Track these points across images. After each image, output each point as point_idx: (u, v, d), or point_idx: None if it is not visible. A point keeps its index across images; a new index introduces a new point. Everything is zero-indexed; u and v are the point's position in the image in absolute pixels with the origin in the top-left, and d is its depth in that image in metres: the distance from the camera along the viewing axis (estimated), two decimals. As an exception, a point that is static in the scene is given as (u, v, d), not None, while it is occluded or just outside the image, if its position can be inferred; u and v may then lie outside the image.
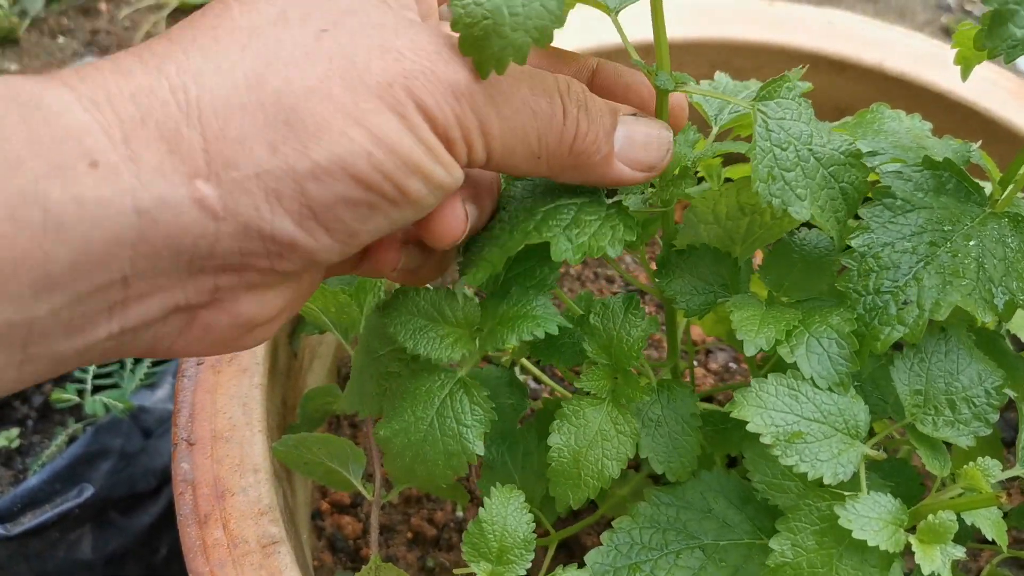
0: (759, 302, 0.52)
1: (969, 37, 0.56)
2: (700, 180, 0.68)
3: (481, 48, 0.39)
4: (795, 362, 0.47)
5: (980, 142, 0.58)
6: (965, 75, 0.60)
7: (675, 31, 0.83)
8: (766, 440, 0.46)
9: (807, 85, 0.50)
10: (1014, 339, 0.71)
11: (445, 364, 0.51)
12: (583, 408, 0.52)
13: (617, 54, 0.83)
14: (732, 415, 0.47)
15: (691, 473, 0.55)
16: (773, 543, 0.46)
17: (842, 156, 0.48)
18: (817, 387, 0.47)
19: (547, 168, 0.44)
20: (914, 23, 1.59)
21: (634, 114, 0.46)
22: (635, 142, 0.45)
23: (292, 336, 0.69)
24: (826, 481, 0.46)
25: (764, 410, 0.47)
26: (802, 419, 0.47)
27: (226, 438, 0.59)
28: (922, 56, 0.83)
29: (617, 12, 0.50)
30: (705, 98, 0.57)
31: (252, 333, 0.42)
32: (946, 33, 1.58)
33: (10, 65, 1.44)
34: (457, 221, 0.44)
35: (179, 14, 1.52)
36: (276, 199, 0.36)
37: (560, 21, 0.39)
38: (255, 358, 0.63)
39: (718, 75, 0.63)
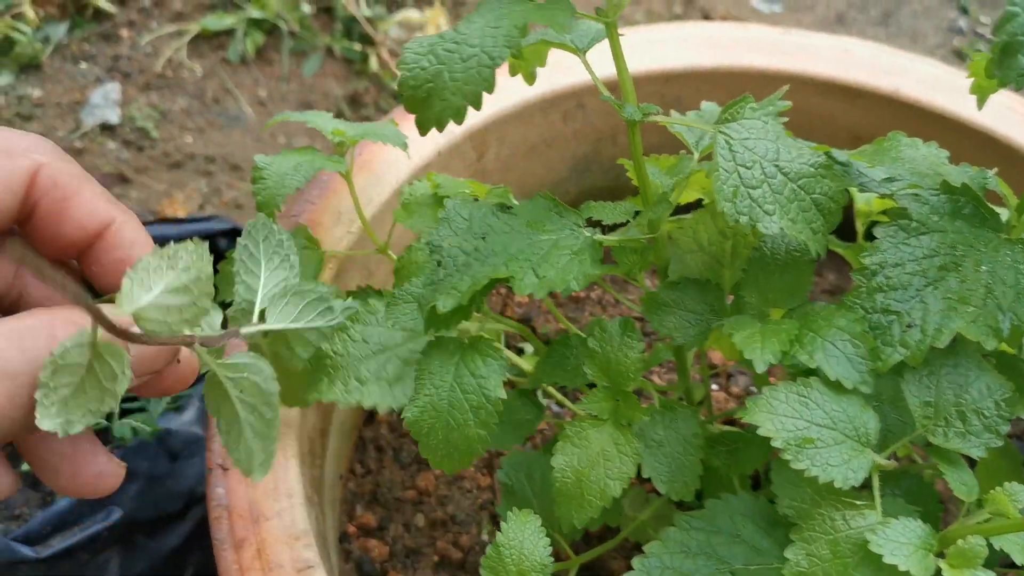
0: (752, 319, 0.53)
1: (984, 67, 0.57)
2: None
3: (423, 109, 0.43)
4: (818, 367, 0.49)
5: (996, 169, 0.59)
6: (981, 104, 0.61)
7: (693, 61, 0.85)
8: (777, 444, 0.47)
9: (786, 104, 0.51)
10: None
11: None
12: (585, 429, 0.54)
13: (593, 91, 0.84)
14: (742, 419, 0.49)
15: (709, 492, 0.56)
16: (788, 552, 0.47)
17: (812, 169, 0.49)
18: (829, 393, 0.49)
19: None
20: (925, 46, 1.61)
21: None
22: None
23: (322, 362, 0.70)
24: (837, 485, 0.47)
25: (775, 416, 0.48)
26: (812, 425, 0.48)
27: (260, 463, 0.60)
28: (937, 83, 0.84)
29: (585, 52, 0.53)
30: (686, 127, 0.58)
31: None
32: (958, 56, 1.59)
33: (33, 91, 1.46)
34: None
35: (200, 40, 1.54)
36: None
37: (491, 87, 0.44)
38: (287, 384, 0.64)
39: (704, 104, 0.64)
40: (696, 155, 0.56)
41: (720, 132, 0.48)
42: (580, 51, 0.51)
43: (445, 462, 0.53)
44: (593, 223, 0.54)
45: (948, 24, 1.65)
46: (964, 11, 1.67)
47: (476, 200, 0.59)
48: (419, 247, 0.64)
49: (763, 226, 0.47)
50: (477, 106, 0.43)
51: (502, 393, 0.51)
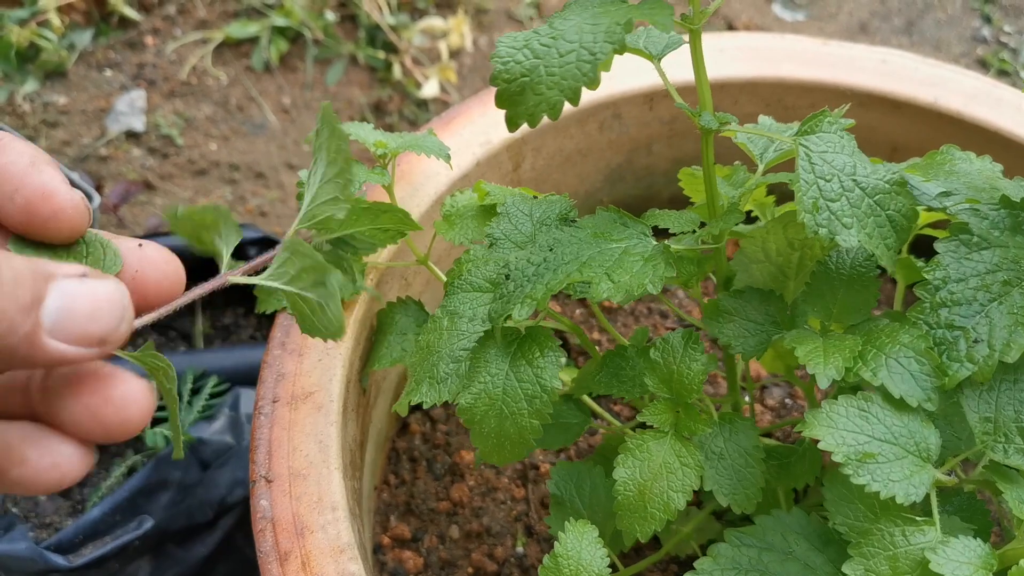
0: (815, 333, 0.52)
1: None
2: (755, 219, 0.69)
3: (516, 103, 0.42)
4: (881, 384, 0.48)
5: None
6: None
7: (730, 71, 0.85)
8: (837, 459, 0.47)
9: (850, 121, 0.51)
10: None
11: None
12: (646, 442, 0.53)
13: (664, 95, 0.85)
14: (803, 434, 0.48)
15: (757, 506, 0.56)
16: (846, 568, 0.47)
17: (887, 185, 0.49)
18: (890, 408, 0.48)
19: None
20: (949, 55, 1.60)
21: (83, 274, 0.36)
22: (76, 313, 0.35)
23: (362, 373, 0.70)
24: (898, 500, 0.46)
25: (835, 430, 0.48)
26: (873, 439, 0.48)
27: (303, 475, 0.60)
28: (975, 94, 0.84)
29: (659, 59, 0.52)
30: (750, 138, 0.58)
31: None
32: (982, 65, 1.58)
33: (59, 98, 1.47)
34: None
35: (224, 48, 1.55)
36: None
37: (593, 82, 0.41)
38: (329, 396, 0.64)
39: (762, 118, 0.64)
40: (761, 166, 0.55)
41: (800, 144, 0.47)
42: (655, 57, 0.51)
43: (495, 453, 0.52)
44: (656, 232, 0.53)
45: (972, 33, 1.64)
46: (987, 20, 1.66)
47: (535, 198, 0.59)
48: (468, 259, 0.64)
49: (842, 239, 0.46)
50: (575, 101, 0.42)
51: (558, 383, 0.50)
